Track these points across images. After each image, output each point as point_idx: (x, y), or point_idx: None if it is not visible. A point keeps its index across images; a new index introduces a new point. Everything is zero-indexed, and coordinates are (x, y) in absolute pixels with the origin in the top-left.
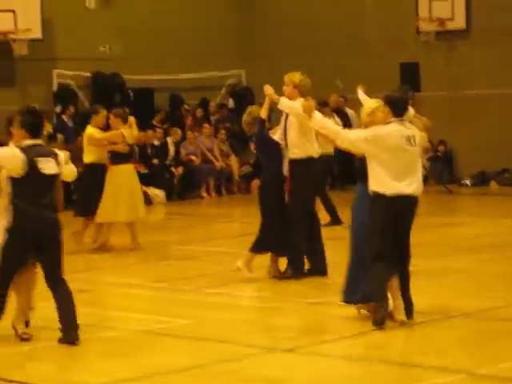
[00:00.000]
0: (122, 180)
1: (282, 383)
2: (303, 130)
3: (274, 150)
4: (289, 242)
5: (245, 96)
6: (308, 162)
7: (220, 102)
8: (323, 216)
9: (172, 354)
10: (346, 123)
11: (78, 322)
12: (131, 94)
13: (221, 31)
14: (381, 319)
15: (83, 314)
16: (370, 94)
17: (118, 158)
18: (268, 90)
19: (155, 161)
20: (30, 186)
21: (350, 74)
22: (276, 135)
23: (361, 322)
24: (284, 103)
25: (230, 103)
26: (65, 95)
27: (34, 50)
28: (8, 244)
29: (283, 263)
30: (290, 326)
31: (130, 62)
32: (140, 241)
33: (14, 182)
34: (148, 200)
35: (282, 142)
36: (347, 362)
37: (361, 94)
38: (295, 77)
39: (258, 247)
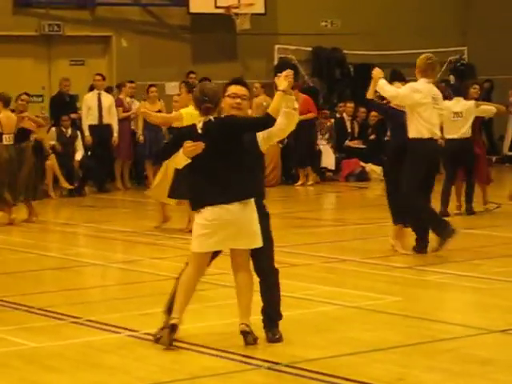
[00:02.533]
0: None
1: (497, 364)
2: (413, 112)
3: (400, 121)
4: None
5: (466, 72)
6: (417, 142)
7: (441, 79)
8: None
9: (383, 330)
10: None
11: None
12: (351, 70)
13: (442, 7)
14: None
15: (296, 288)
16: None
17: None
18: (375, 72)
19: (372, 137)
20: None
21: None
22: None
23: None
24: (380, 86)
25: (452, 79)
26: (285, 70)
27: (256, 25)
28: None
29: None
30: (508, 306)
31: (350, 38)
32: (355, 217)
33: None
34: (364, 176)
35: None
36: None
37: None
38: (420, 58)
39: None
